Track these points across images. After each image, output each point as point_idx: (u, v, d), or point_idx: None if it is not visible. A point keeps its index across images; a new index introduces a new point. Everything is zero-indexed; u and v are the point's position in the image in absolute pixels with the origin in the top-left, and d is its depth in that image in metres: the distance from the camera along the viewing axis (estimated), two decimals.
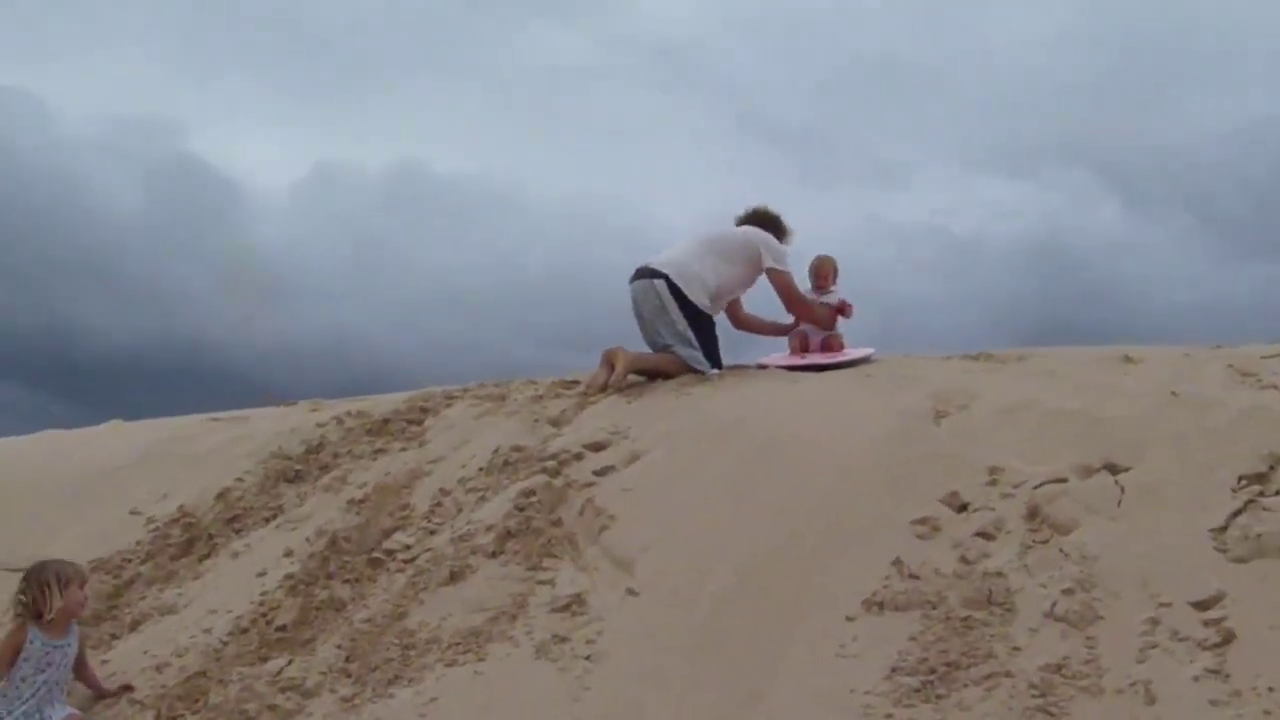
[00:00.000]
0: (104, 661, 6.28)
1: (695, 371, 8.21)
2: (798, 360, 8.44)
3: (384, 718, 5.21)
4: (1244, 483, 5.39)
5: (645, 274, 8.36)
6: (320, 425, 8.42)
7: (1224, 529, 5.15)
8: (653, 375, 8.26)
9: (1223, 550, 5.05)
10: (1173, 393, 6.35)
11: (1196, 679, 4.41)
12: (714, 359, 8.40)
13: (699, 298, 8.32)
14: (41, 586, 5.91)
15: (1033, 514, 5.56)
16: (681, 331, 8.24)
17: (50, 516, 8.09)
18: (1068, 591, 4.98)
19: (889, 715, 4.54)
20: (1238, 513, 5.21)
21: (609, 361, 8.18)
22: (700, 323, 8.32)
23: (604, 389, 8.00)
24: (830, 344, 8.60)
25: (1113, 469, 5.76)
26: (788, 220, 8.89)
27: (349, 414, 8.53)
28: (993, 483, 5.86)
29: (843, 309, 8.65)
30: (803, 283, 8.74)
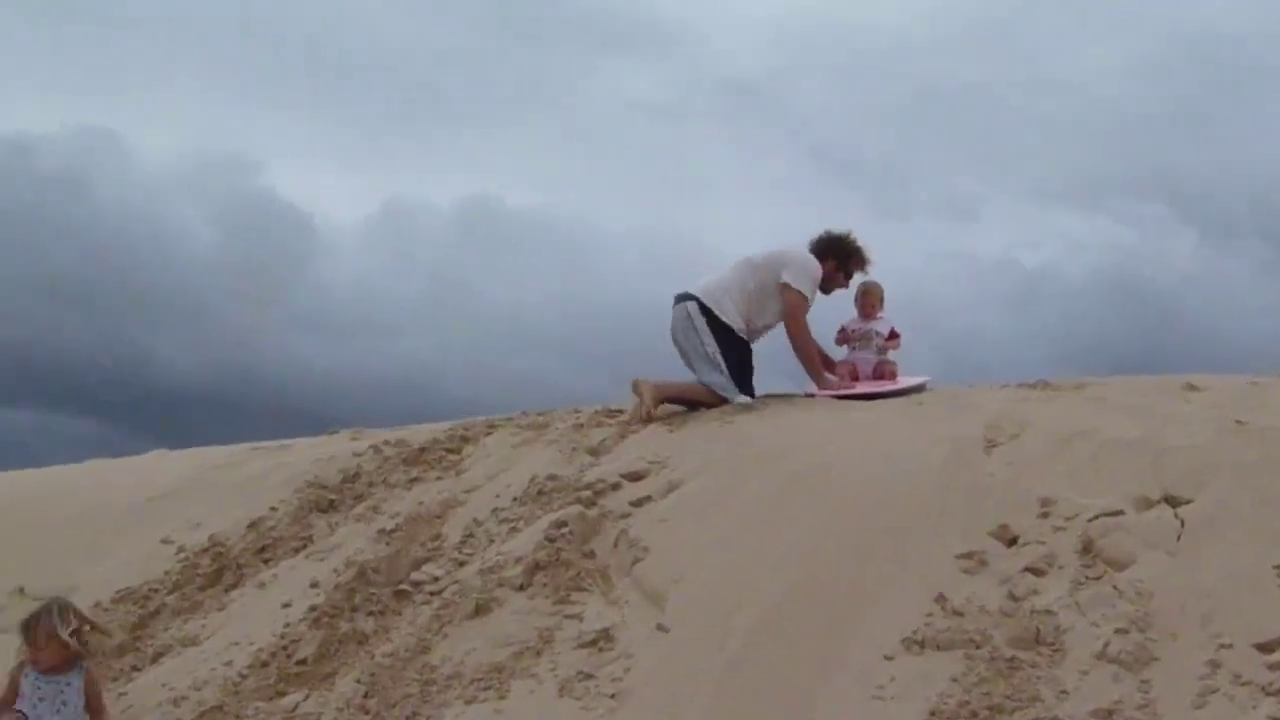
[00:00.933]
0: (121, 694, 6.13)
1: (722, 400, 7.96)
2: (847, 389, 8.10)
3: None
4: None
5: (680, 299, 8.14)
6: (358, 455, 8.26)
7: None
8: (684, 403, 8.00)
9: None
10: (1237, 421, 6.01)
11: None
12: (745, 386, 8.12)
13: (732, 318, 8.07)
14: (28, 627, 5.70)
15: (1086, 548, 5.25)
16: (710, 355, 7.99)
17: (86, 546, 8.00)
18: (1121, 631, 4.66)
19: None
20: None
21: (637, 391, 7.95)
22: (733, 346, 8.05)
23: (647, 419, 7.76)
24: (882, 371, 8.31)
25: (1172, 501, 5.44)
26: (868, 248, 8.44)
27: (387, 443, 8.37)
28: (1044, 515, 5.55)
29: (892, 339, 8.41)
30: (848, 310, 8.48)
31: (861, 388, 8.09)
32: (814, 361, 8.12)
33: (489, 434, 8.25)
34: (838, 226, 8.35)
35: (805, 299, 8.11)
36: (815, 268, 8.20)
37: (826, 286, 8.34)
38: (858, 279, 8.48)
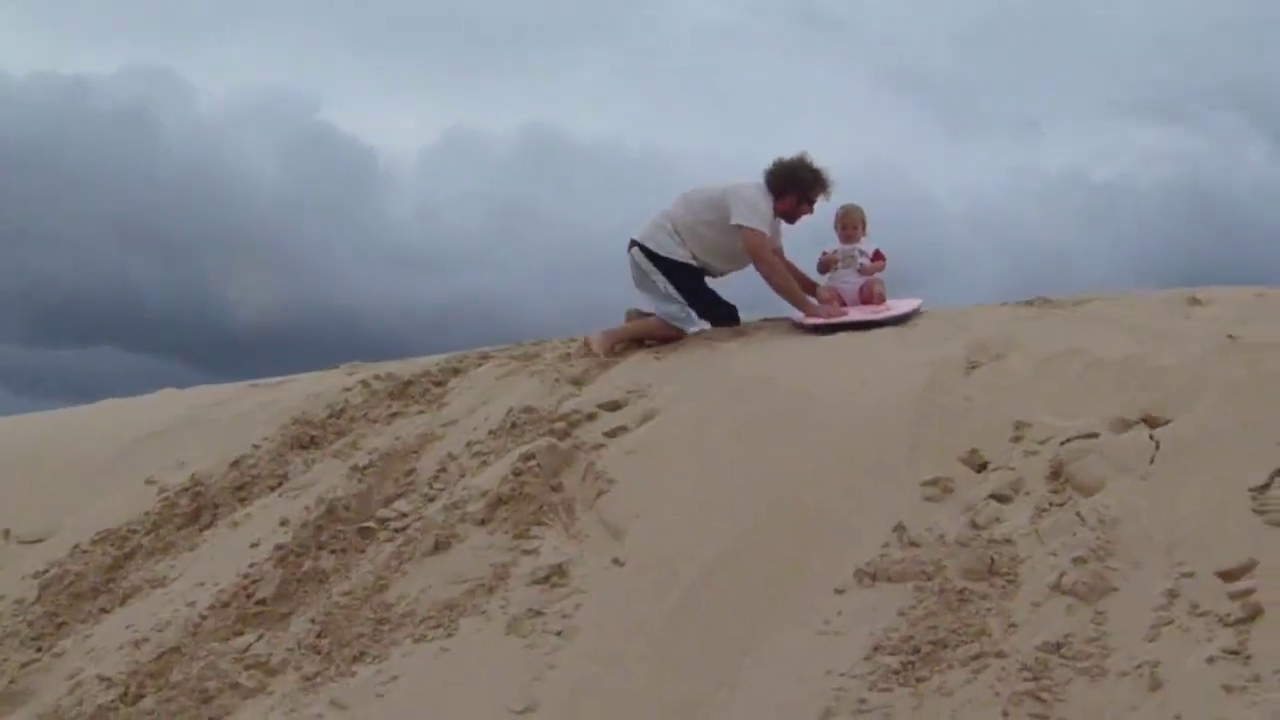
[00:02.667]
0: (87, 637, 6.07)
1: (678, 330, 7.72)
2: (838, 316, 7.66)
3: (340, 697, 4.88)
4: None
5: (629, 247, 7.91)
6: (347, 390, 8.13)
7: (1266, 487, 4.53)
8: (641, 341, 7.75)
9: (1262, 512, 4.43)
10: (1229, 336, 5.70)
11: (1211, 660, 3.83)
12: (705, 313, 7.86)
13: (673, 250, 7.75)
14: None
15: (1056, 473, 5.01)
16: (665, 292, 7.72)
17: (75, 488, 7.95)
18: (1080, 561, 4.42)
19: (862, 700, 4.06)
20: None
21: (588, 349, 7.72)
22: (685, 275, 7.74)
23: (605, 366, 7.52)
24: (870, 294, 7.85)
25: (1151, 423, 5.17)
26: (827, 170, 7.87)
27: (378, 377, 8.22)
28: (1017, 439, 5.31)
29: (876, 260, 7.95)
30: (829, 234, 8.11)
31: (854, 314, 7.68)
32: (792, 292, 7.76)
33: (480, 365, 8.08)
34: (788, 154, 7.87)
35: (762, 233, 7.71)
36: (760, 199, 7.77)
37: (791, 218, 7.96)
38: (832, 204, 8.05)
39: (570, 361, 7.64)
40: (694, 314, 7.77)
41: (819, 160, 7.86)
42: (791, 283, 7.79)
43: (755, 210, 7.70)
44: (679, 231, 7.76)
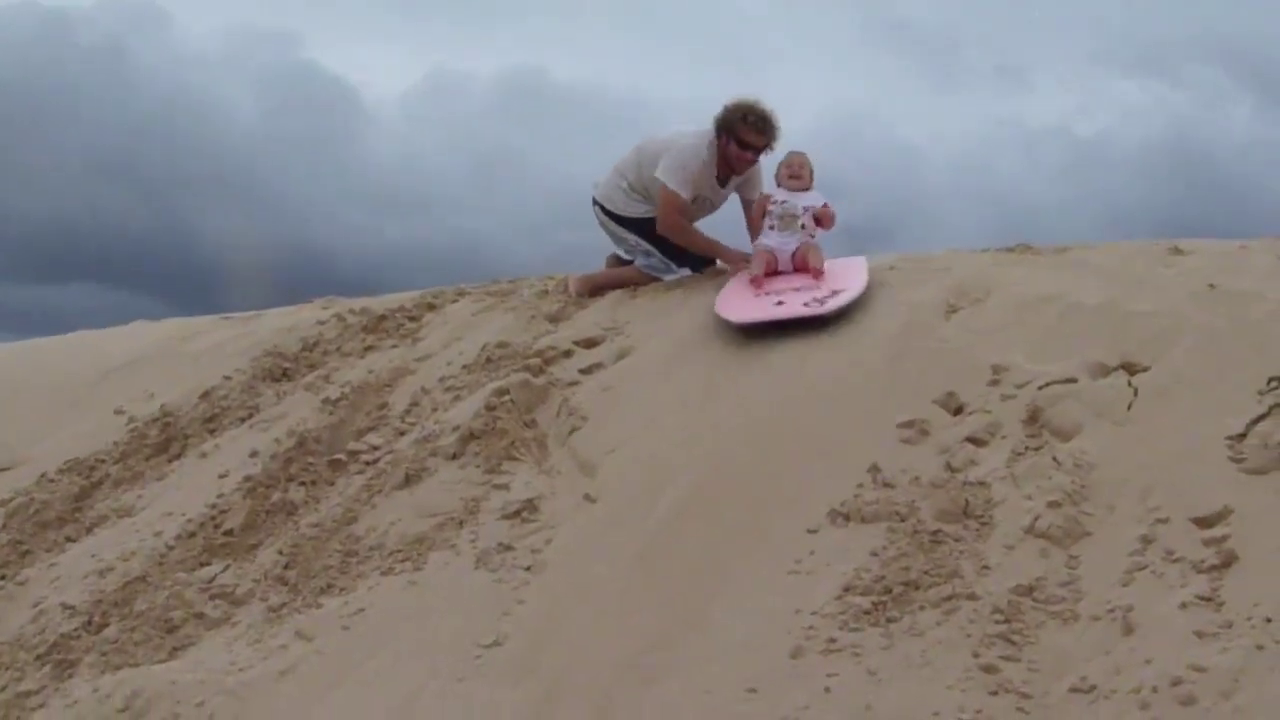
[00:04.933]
0: (52, 565, 6.01)
1: (658, 279, 7.53)
2: (760, 309, 6.40)
3: (306, 629, 4.83)
4: (1274, 384, 4.72)
5: (592, 204, 7.71)
6: (321, 323, 8.03)
7: (1243, 436, 4.51)
8: (617, 288, 7.54)
9: (1238, 460, 4.41)
10: (1210, 285, 5.66)
11: (1184, 606, 3.81)
12: (684, 257, 7.54)
13: (631, 208, 7.48)
14: None
15: (1033, 418, 4.97)
16: (635, 244, 7.55)
17: (43, 418, 7.86)
18: (1054, 504, 4.39)
19: (831, 640, 4.03)
20: (1261, 418, 4.55)
21: (567, 289, 7.60)
22: (652, 227, 7.46)
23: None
24: (804, 259, 6.80)
25: (1129, 369, 5.13)
26: (759, 109, 7.19)
27: (352, 311, 8.12)
28: (995, 383, 5.26)
29: (822, 217, 6.98)
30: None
31: (786, 306, 6.35)
32: (699, 245, 7.40)
33: (455, 301, 7.99)
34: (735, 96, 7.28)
35: (675, 193, 7.22)
36: (690, 157, 7.26)
37: (734, 165, 7.35)
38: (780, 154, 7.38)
39: (548, 299, 7.55)
40: (672, 264, 7.58)
41: (755, 100, 7.26)
42: (695, 235, 7.40)
43: (682, 167, 7.24)
44: (634, 188, 7.47)
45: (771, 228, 6.98)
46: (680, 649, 4.22)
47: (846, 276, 6.57)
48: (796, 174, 7.12)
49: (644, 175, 7.42)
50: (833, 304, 6.22)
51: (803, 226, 6.92)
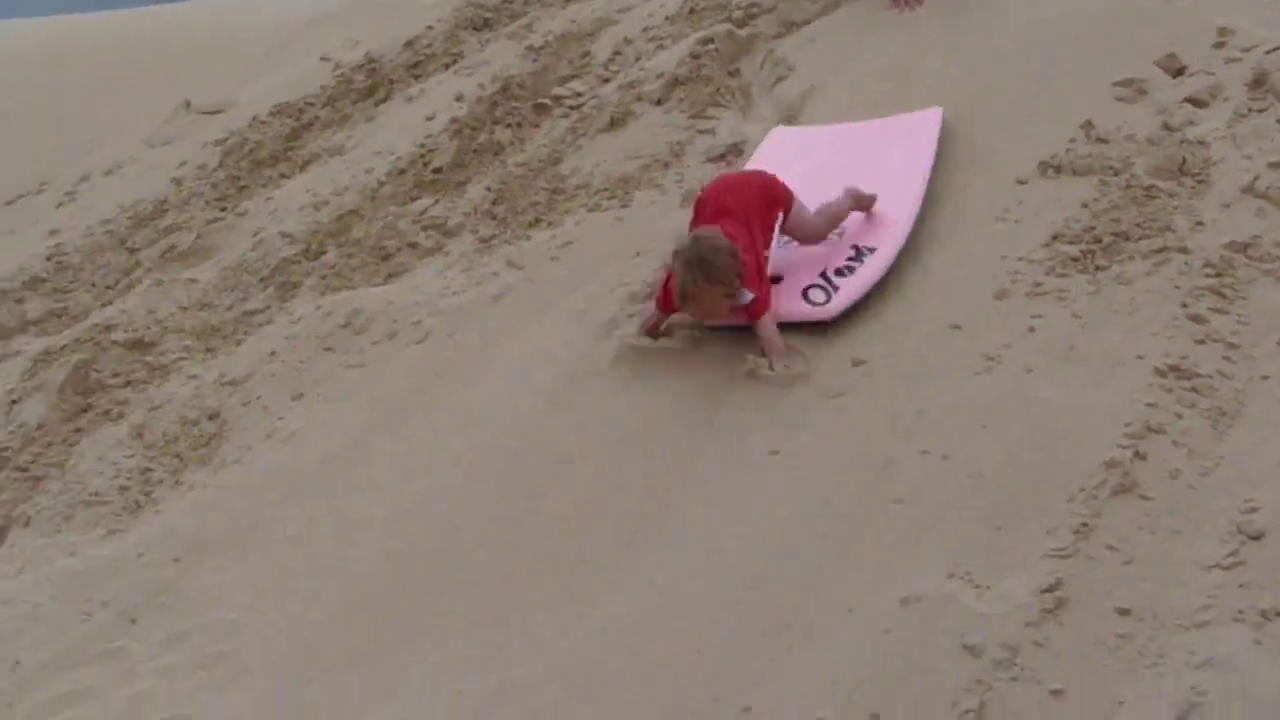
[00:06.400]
0: (269, 199, 6.28)
1: None
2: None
3: (515, 258, 5.05)
4: None
5: None
6: None
7: None
8: None
9: None
10: None
11: None
12: None
13: None
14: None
15: (1259, 81, 4.80)
16: None
17: (248, 65, 8.09)
18: (1275, 165, 4.30)
19: (1038, 284, 4.07)
20: None
21: None
22: None
23: None
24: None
25: None
26: None
27: None
28: (1220, 45, 5.07)
29: None
30: None
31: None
32: None
33: None
34: None
35: None
36: None
37: None
38: None
39: None
40: None
41: None
42: None
43: None
44: None
45: None
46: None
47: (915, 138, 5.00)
48: None
49: None
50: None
51: None
